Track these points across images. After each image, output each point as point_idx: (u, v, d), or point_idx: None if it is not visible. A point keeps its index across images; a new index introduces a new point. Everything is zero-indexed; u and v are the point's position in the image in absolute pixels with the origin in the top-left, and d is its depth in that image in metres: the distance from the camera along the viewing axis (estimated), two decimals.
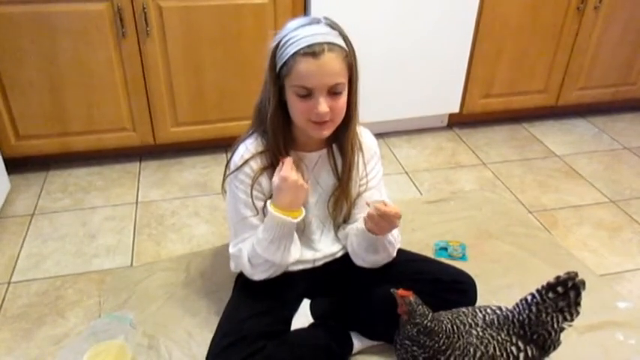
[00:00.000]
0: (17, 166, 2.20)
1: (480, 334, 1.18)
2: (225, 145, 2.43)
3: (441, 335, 1.17)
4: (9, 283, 1.70)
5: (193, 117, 2.26)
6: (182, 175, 2.28)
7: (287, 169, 1.27)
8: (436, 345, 1.16)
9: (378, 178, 1.46)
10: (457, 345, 1.16)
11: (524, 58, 2.49)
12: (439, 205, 2.10)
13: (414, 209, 2.07)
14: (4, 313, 1.59)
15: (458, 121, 2.69)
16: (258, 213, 1.36)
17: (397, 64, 2.36)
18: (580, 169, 2.35)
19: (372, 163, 1.44)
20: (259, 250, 1.32)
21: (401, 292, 1.23)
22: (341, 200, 1.41)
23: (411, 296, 1.21)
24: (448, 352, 1.16)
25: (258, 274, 1.37)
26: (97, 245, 1.87)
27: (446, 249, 1.83)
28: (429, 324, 1.17)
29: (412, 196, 2.17)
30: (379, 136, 2.54)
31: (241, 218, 1.36)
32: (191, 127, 2.28)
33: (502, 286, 1.69)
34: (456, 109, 2.57)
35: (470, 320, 1.21)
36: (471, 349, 1.16)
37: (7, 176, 2.07)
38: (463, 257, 1.81)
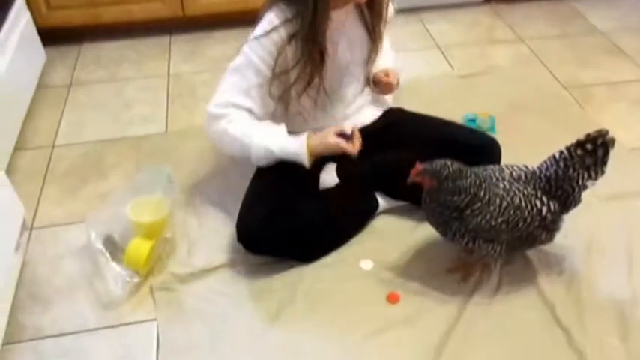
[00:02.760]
0: (51, 38, 2.22)
1: (507, 187, 1.20)
2: (256, 18, 2.38)
3: (469, 182, 1.18)
4: (53, 146, 1.80)
5: None
6: (213, 49, 2.27)
7: (351, 147, 1.34)
8: (464, 196, 1.19)
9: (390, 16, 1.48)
10: (483, 189, 1.19)
11: None
12: (471, 79, 2.07)
13: (444, 83, 2.05)
14: (52, 172, 1.70)
15: None
16: (264, 86, 1.34)
17: None
18: (623, 46, 2.24)
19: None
20: (252, 141, 1.32)
21: (413, 173, 1.23)
22: (374, 52, 1.43)
23: (419, 167, 1.21)
24: (481, 193, 1.19)
25: (222, 147, 1.40)
26: (132, 114, 1.93)
27: (474, 121, 1.83)
28: (471, 181, 1.18)
29: (443, 71, 2.13)
30: (413, 11, 2.45)
31: (247, 85, 1.33)
32: None
33: (529, 157, 1.68)
34: None
35: (497, 175, 1.23)
36: (497, 200, 1.19)
37: (42, 48, 2.11)
38: (492, 129, 1.81)
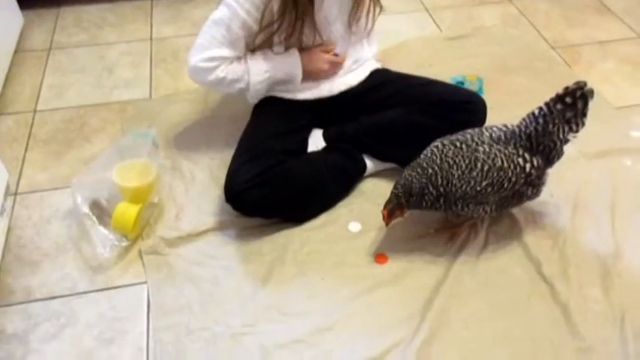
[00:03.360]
0: (28, 1, 2.15)
1: (487, 149, 1.20)
2: None
3: (423, 181, 1.21)
4: (35, 111, 1.76)
5: None
6: (195, 12, 2.22)
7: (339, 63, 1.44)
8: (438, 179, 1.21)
9: None
10: (458, 159, 1.20)
11: None
12: (459, 41, 2.05)
13: (432, 45, 2.02)
14: (34, 137, 1.67)
15: None
16: (250, 38, 1.34)
17: None
18: (611, 4, 2.23)
19: None
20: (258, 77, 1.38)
21: (386, 221, 1.27)
22: (355, 10, 1.40)
23: (385, 213, 1.25)
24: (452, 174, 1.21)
25: (217, 90, 1.53)
26: (115, 78, 1.89)
27: (462, 83, 1.81)
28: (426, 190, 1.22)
29: (431, 33, 2.10)
30: None
31: (232, 38, 1.33)
32: None
33: (517, 117, 1.68)
34: None
35: (477, 138, 1.23)
36: (478, 164, 1.19)
37: (19, 11, 2.05)
38: (480, 90, 1.80)
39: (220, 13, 1.33)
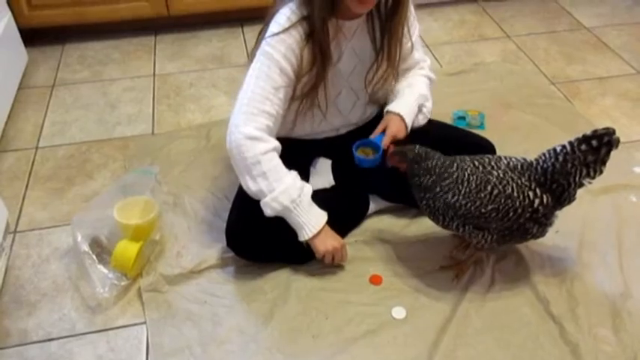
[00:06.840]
0: (33, 38, 2.18)
1: (501, 175, 1.20)
2: (240, 18, 2.37)
3: (434, 163, 1.22)
4: (37, 148, 1.76)
5: None
6: (198, 49, 2.25)
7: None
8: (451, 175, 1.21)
9: (416, 34, 1.43)
10: (453, 168, 1.21)
11: None
12: (459, 76, 2.07)
13: None
14: (35, 174, 1.66)
15: None
16: (289, 89, 1.26)
17: None
18: (609, 42, 2.26)
19: (410, 21, 1.36)
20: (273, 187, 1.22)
21: (390, 152, 1.28)
22: (387, 73, 1.34)
23: (392, 149, 1.27)
24: (452, 170, 1.21)
25: (244, 171, 1.24)
26: (118, 114, 1.90)
27: (464, 118, 1.82)
28: (438, 162, 1.22)
29: (432, 69, 2.11)
30: None
31: (273, 88, 1.22)
32: None
33: (519, 152, 1.68)
34: None
35: (493, 163, 1.22)
36: (489, 187, 1.18)
37: (24, 48, 2.07)
38: (481, 126, 1.81)
39: (259, 62, 1.24)
